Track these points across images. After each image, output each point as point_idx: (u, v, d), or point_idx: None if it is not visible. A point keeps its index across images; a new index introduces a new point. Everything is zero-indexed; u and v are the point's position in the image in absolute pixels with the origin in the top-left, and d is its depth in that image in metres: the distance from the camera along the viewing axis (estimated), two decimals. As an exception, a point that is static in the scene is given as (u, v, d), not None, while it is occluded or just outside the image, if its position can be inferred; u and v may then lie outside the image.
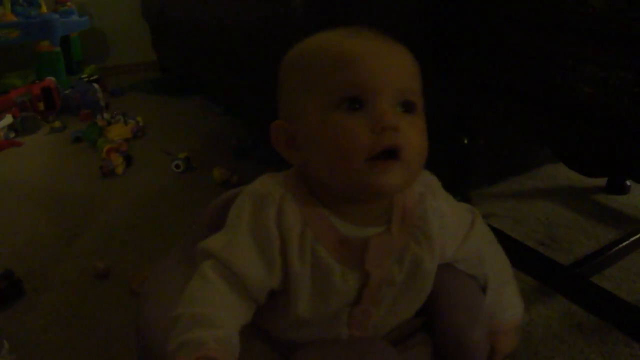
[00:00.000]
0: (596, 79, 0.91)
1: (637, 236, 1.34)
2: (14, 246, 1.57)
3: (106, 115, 2.59)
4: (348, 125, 0.55)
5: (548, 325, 1.14)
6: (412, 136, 0.56)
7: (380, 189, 0.56)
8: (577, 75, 0.94)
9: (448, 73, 1.22)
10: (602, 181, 1.76)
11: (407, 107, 0.58)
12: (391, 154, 0.55)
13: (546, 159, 1.88)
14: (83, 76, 3.10)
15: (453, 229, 0.68)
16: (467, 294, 0.70)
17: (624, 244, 1.32)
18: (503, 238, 1.29)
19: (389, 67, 0.57)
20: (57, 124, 2.64)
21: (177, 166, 2.01)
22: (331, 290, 0.60)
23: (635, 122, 0.88)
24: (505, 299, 0.72)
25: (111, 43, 3.91)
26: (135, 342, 0.71)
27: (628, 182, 1.72)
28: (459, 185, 1.34)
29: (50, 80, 2.85)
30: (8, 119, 2.54)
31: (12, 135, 2.53)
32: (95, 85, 2.88)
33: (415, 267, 0.64)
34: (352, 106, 0.55)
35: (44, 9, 3.30)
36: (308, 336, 0.63)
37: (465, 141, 1.28)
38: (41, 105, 2.77)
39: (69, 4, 3.48)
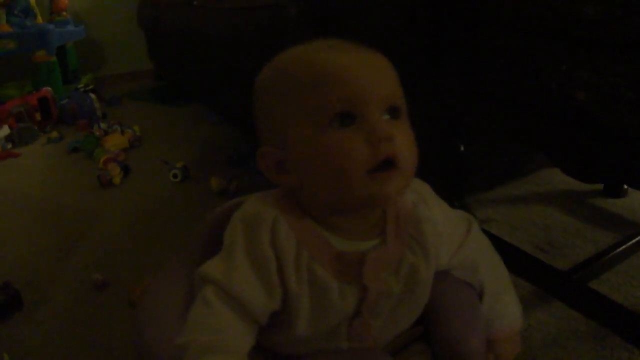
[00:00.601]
0: (591, 85, 0.92)
1: (635, 240, 1.34)
2: (12, 258, 1.57)
3: (103, 125, 2.60)
4: (345, 141, 0.54)
5: (546, 331, 1.14)
6: (404, 143, 0.56)
7: (381, 198, 0.57)
8: (571, 81, 0.94)
9: (442, 80, 1.22)
10: (599, 185, 1.76)
11: (394, 113, 0.58)
12: (389, 163, 0.55)
13: (543, 163, 1.88)
14: (79, 86, 3.10)
15: (447, 236, 0.68)
16: (464, 303, 0.70)
17: (622, 248, 1.32)
18: (501, 243, 1.30)
19: (373, 76, 0.57)
20: (54, 134, 2.64)
21: (175, 175, 2.01)
22: (330, 307, 0.60)
23: (629, 128, 0.88)
24: (503, 307, 0.72)
25: (107, 52, 3.91)
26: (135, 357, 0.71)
27: (625, 186, 1.72)
28: (456, 192, 1.34)
29: (46, 90, 2.85)
30: (5, 129, 2.55)
31: (9, 146, 2.53)
32: (92, 95, 2.88)
33: (412, 277, 0.64)
34: (344, 121, 0.55)
35: (40, 19, 3.31)
36: (308, 350, 0.63)
37: (462, 148, 1.28)
38: (38, 116, 2.77)
39: (64, 13, 3.49)
